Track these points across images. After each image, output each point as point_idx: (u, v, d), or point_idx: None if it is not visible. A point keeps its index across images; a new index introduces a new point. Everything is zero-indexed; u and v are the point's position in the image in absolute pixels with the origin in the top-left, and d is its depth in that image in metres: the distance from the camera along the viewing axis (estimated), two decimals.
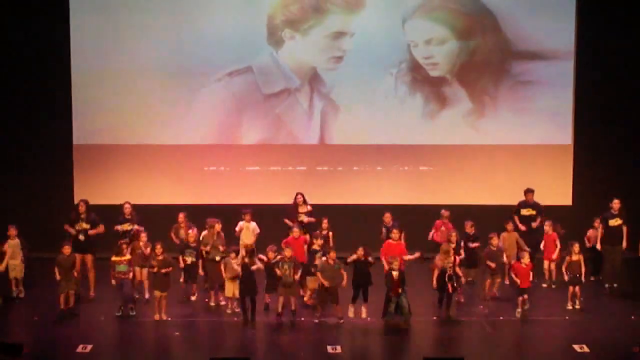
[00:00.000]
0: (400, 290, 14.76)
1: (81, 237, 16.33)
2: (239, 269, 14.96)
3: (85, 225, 16.43)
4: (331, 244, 16.31)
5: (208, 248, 15.85)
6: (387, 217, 16.88)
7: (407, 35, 18.60)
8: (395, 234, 15.67)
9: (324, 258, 15.29)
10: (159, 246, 15.19)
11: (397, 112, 18.85)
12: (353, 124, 18.83)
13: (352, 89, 18.69)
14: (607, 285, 16.65)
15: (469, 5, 18.56)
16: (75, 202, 18.42)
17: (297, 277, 15.06)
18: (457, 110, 18.90)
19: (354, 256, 14.97)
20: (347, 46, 18.53)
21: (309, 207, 17.16)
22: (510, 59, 18.78)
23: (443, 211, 17.07)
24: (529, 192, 17.48)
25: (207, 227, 16.03)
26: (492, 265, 15.95)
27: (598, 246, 16.64)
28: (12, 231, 16.19)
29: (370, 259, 15.05)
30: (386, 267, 15.15)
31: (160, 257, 15.10)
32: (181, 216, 16.68)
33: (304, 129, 18.88)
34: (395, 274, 14.77)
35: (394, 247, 15.47)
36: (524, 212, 17.48)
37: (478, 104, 18.90)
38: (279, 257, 15.11)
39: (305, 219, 16.99)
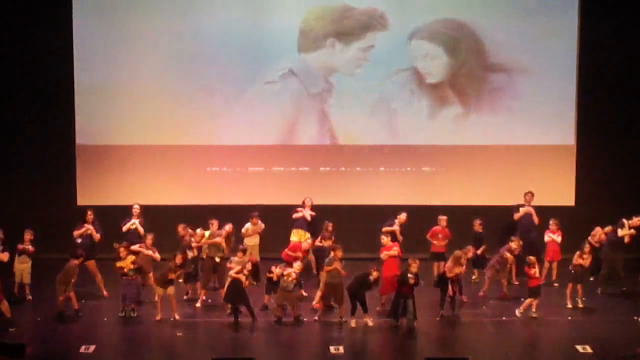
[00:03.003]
0: (410, 292, 14.76)
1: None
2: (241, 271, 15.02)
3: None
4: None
5: (201, 242, 16.03)
6: (404, 216, 16.91)
7: (411, 49, 18.85)
8: (385, 236, 15.89)
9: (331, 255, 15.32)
10: (179, 256, 15.27)
11: (400, 114, 18.87)
12: (359, 125, 18.90)
13: (359, 93, 18.80)
14: (600, 289, 16.59)
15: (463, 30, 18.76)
16: (78, 202, 18.54)
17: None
18: (460, 111, 18.88)
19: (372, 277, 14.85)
20: (369, 56, 18.83)
21: (312, 212, 17.51)
22: (513, 63, 18.78)
23: (440, 217, 17.02)
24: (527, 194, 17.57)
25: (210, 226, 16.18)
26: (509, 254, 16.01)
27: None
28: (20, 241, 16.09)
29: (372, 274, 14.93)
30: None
31: (178, 272, 15.26)
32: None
33: (315, 130, 19.02)
34: (411, 277, 14.68)
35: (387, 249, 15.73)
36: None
37: (481, 106, 18.88)
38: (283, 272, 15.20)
39: (309, 217, 17.41)
